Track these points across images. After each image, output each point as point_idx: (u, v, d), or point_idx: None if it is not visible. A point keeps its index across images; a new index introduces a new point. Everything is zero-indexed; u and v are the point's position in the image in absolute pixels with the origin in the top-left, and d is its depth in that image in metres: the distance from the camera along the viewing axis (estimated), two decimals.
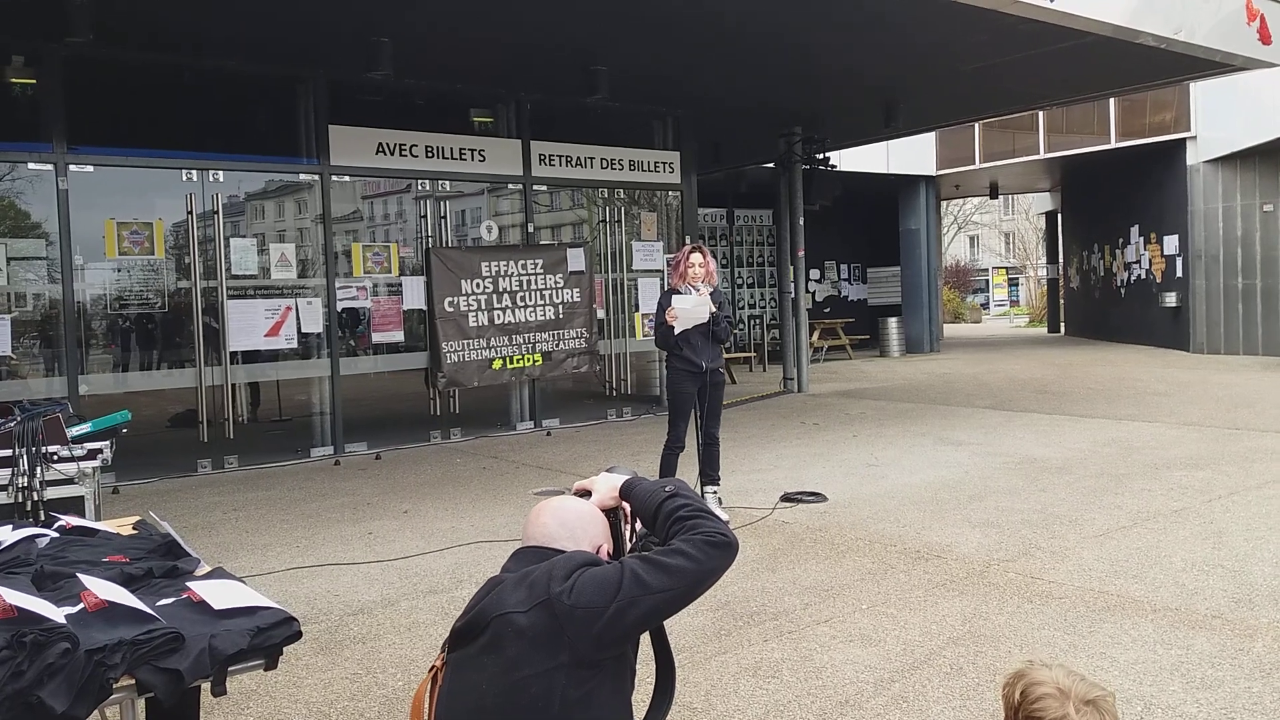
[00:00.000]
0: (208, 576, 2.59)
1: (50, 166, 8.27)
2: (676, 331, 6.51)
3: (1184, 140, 17.70)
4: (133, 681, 2.04)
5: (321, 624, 4.58)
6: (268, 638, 2.22)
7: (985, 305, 47.34)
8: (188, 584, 2.45)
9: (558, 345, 10.99)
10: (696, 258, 6.58)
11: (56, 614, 2.11)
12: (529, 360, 10.77)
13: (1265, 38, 10.55)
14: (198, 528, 6.59)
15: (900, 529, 6.02)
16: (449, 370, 10.16)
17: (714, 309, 6.52)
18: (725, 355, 17.85)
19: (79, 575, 2.39)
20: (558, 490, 2.36)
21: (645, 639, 2.11)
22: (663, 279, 11.89)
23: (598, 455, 9.18)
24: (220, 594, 2.34)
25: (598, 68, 9.65)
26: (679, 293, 6.57)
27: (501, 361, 10.55)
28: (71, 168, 8.33)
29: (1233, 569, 4.96)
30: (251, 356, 9.34)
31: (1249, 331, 17.18)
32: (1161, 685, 3.61)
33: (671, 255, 8.76)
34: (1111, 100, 17.93)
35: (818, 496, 6.94)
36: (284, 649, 2.29)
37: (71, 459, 4.18)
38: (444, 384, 10.21)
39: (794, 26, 8.87)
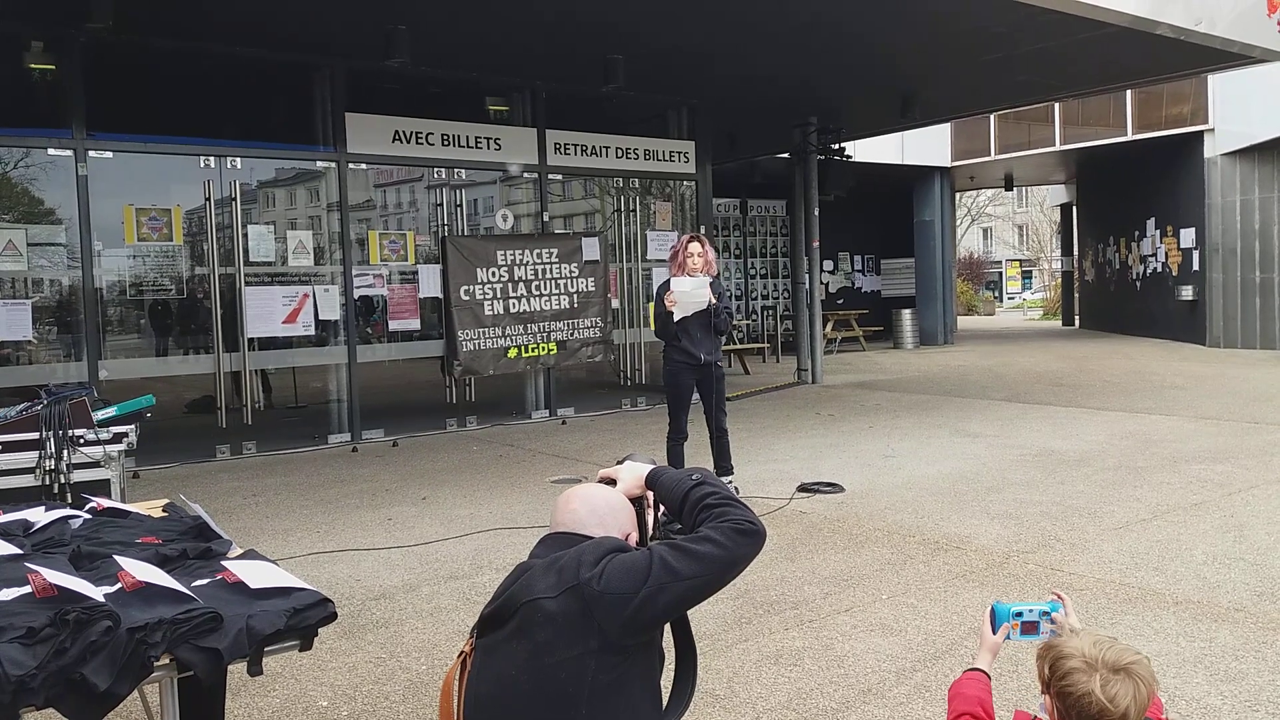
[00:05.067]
0: (241, 558, 2.61)
1: (70, 152, 8.31)
2: (676, 319, 6.40)
3: (1201, 133, 17.57)
4: (172, 660, 2.06)
5: (344, 608, 4.60)
6: (304, 618, 2.24)
7: (999, 298, 47.17)
8: (222, 564, 2.47)
9: (572, 334, 11.00)
10: (695, 247, 6.47)
11: (95, 593, 2.13)
12: (544, 349, 10.79)
13: None
14: (218, 512, 6.56)
15: (918, 520, 6.02)
16: (465, 358, 10.18)
17: (713, 299, 6.46)
18: (738, 346, 17.81)
19: (115, 556, 2.41)
20: (575, 478, 2.37)
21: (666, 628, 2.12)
22: None
23: (613, 444, 9.19)
24: (256, 574, 2.36)
25: (614, 56, 9.64)
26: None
27: (517, 350, 10.57)
28: (91, 154, 8.37)
29: (1254, 562, 4.95)
30: (269, 343, 9.38)
31: (1266, 325, 17.07)
32: (1185, 677, 3.61)
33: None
34: (1128, 92, 17.81)
35: (835, 487, 6.93)
36: (317, 631, 2.31)
37: (98, 442, 4.20)
38: (460, 372, 10.23)
39: (811, 13, 8.84)
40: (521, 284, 10.60)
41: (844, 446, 8.69)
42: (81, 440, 4.18)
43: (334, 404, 9.92)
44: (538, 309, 10.71)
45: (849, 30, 9.52)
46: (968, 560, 5.14)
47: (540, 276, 10.73)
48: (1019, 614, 2.10)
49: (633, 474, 2.27)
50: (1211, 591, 4.55)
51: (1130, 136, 18.74)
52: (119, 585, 2.23)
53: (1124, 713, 1.67)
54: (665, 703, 2.13)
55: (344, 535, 6.06)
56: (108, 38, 7.88)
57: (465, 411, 10.53)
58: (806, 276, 14.45)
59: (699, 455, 6.65)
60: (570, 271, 10.95)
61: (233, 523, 6.39)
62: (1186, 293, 18.19)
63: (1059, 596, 2.12)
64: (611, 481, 2.29)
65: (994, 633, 2.11)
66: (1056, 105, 19.12)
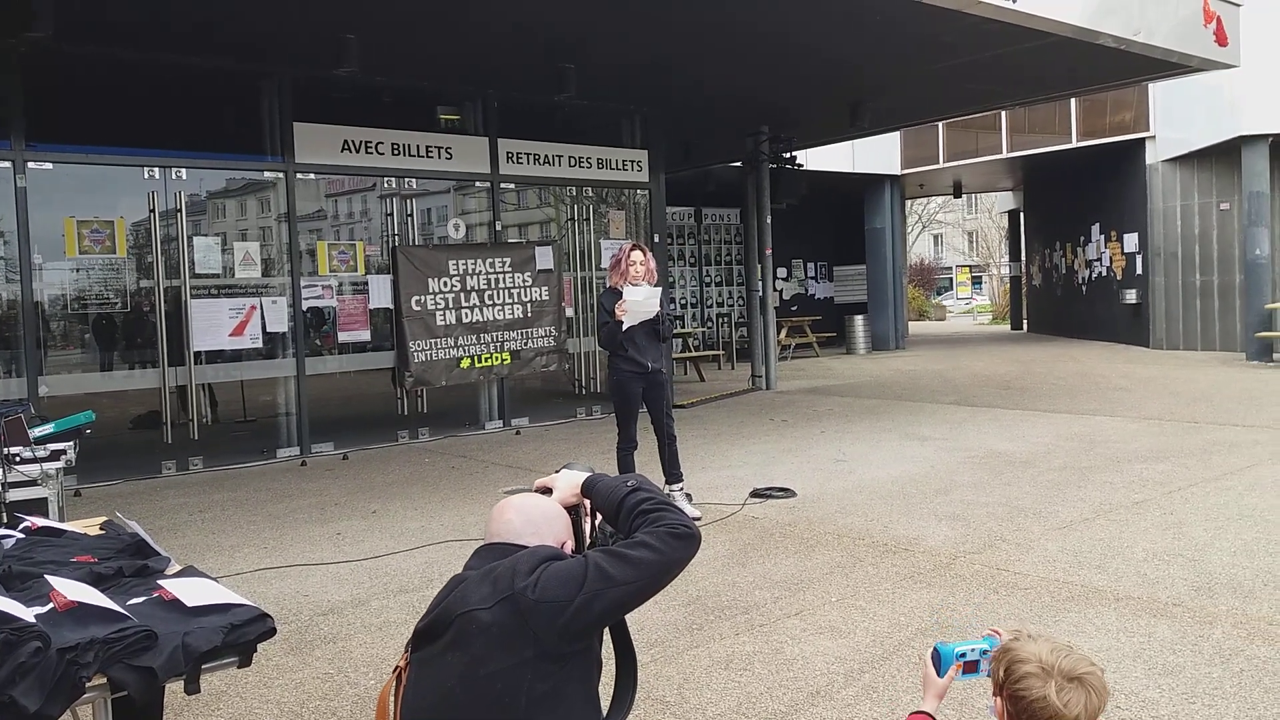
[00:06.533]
0: (179, 575, 2.57)
1: (8, 164, 8.12)
2: (625, 328, 6.34)
3: (1143, 140, 18.01)
4: (105, 680, 2.02)
5: (291, 624, 4.55)
6: (241, 634, 2.21)
7: (943, 291, 47.84)
8: (159, 582, 2.43)
9: (526, 344, 10.97)
10: (637, 255, 6.43)
11: (26, 614, 2.09)
12: (497, 359, 10.75)
13: (1221, 39, 10.77)
14: (163, 530, 6.51)
15: (868, 523, 6.09)
16: (416, 369, 10.11)
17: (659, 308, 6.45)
18: (694, 354, 17.81)
19: (47, 576, 2.37)
20: (528, 488, 2.37)
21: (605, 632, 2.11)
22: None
23: (567, 454, 9.18)
24: (193, 591, 2.33)
25: (566, 66, 9.65)
26: (620, 291, 6.39)
27: (469, 360, 10.52)
28: (30, 165, 8.19)
29: (1192, 558, 5.07)
30: (215, 356, 9.23)
31: (1206, 327, 17.51)
32: (1124, 672, 3.69)
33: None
34: (1073, 100, 18.20)
35: (787, 492, 6.99)
36: (257, 647, 2.28)
37: (34, 460, 4.11)
38: (411, 383, 10.15)
39: (761, 24, 8.92)
40: (474, 293, 10.55)
41: (797, 452, 8.76)
42: (17, 458, 4.09)
43: (282, 417, 9.79)
44: (491, 319, 10.66)
45: (798, 41, 9.62)
46: (916, 562, 5.21)
47: (493, 286, 10.69)
48: (962, 654, 2.11)
49: (568, 482, 2.27)
50: (1151, 587, 4.65)
51: (1075, 144, 19.14)
52: (50, 605, 2.19)
53: (1074, 719, 1.71)
54: (606, 710, 2.13)
55: (292, 551, 5.98)
56: (48, 46, 7.72)
57: (417, 423, 10.45)
58: (760, 284, 14.56)
59: (649, 464, 6.66)
60: (523, 281, 10.92)
61: (178, 540, 6.28)
62: (1130, 296, 18.61)
63: (995, 632, 2.13)
64: (548, 490, 2.29)
65: (940, 675, 2.11)
66: (1003, 113, 19.48)
